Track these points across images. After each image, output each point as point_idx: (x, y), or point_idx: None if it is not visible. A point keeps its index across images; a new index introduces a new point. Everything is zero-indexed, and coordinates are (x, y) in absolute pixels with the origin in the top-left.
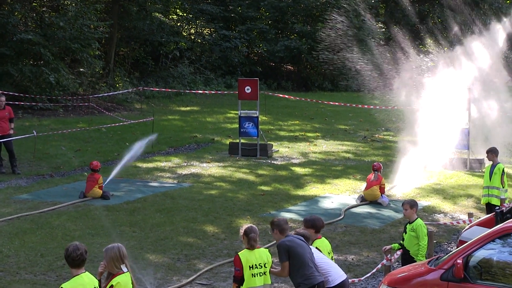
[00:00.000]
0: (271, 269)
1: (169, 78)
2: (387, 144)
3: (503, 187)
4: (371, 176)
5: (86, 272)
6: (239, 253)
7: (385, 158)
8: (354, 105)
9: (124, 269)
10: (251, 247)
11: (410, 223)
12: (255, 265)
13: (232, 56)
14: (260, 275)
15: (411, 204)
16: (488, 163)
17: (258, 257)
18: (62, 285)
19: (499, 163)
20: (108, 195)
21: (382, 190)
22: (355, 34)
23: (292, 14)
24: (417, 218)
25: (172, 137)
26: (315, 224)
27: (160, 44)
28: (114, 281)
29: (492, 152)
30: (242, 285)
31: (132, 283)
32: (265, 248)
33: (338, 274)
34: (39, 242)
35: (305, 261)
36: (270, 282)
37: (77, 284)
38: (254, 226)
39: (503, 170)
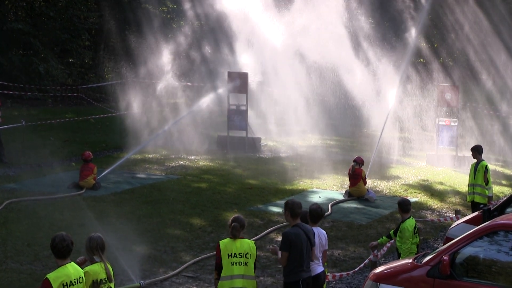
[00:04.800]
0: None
1: None
2: (374, 140)
3: (486, 185)
4: (350, 169)
5: (72, 262)
6: (220, 241)
7: (371, 153)
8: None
9: (97, 259)
10: (233, 236)
11: (402, 222)
12: (235, 254)
13: None
14: (239, 265)
15: (398, 203)
16: (473, 161)
17: (239, 246)
18: (48, 275)
19: (482, 160)
20: (99, 186)
21: (364, 182)
22: None
23: None
24: (408, 218)
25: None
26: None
27: (150, 36)
28: (84, 270)
29: (476, 150)
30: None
31: (107, 273)
32: (252, 240)
33: (313, 267)
34: (26, 231)
35: (299, 258)
36: (253, 274)
37: (62, 274)
38: (241, 216)
39: (486, 167)
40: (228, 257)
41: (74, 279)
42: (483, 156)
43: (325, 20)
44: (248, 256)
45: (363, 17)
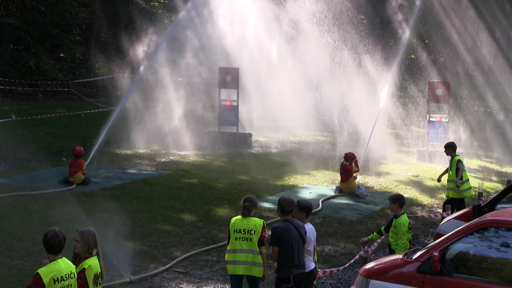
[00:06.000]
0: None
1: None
2: (365, 136)
3: (461, 180)
4: (340, 166)
5: (63, 257)
6: (232, 218)
7: (361, 149)
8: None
9: (94, 253)
10: (243, 215)
11: (396, 217)
12: (239, 230)
13: None
14: (242, 240)
15: (393, 198)
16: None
17: (245, 223)
18: (38, 270)
19: (456, 156)
20: (89, 181)
21: (356, 166)
22: None
23: None
24: (402, 214)
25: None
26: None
27: (141, 32)
28: (85, 264)
29: (450, 147)
30: None
31: (100, 266)
32: (262, 220)
33: (306, 263)
34: (16, 226)
35: (290, 252)
36: (257, 249)
37: (53, 269)
38: (252, 196)
39: (458, 161)
40: (234, 232)
41: (65, 275)
42: (472, 152)
43: (318, 14)
44: (252, 232)
45: (354, 13)
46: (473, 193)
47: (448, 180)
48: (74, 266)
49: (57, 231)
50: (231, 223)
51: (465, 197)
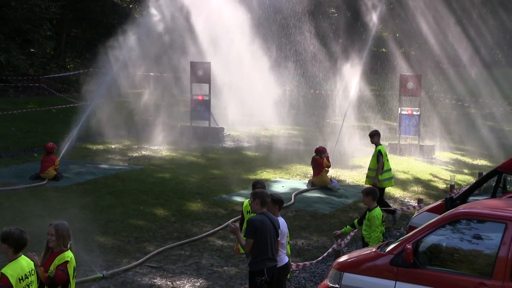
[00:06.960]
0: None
1: None
2: (336, 130)
3: (382, 169)
4: (312, 160)
5: (22, 255)
6: (245, 200)
7: (333, 143)
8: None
9: (68, 246)
10: None
11: (369, 210)
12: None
13: None
14: None
15: (366, 191)
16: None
17: None
18: (3, 271)
19: (379, 145)
20: (60, 177)
21: (328, 161)
22: None
23: None
24: (375, 207)
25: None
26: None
27: (112, 26)
28: (67, 257)
29: (376, 135)
30: None
31: None
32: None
33: (279, 257)
34: None
35: (264, 245)
36: None
37: (17, 267)
38: (263, 181)
39: (379, 151)
40: (247, 214)
41: (28, 272)
42: (444, 145)
43: (289, 9)
44: None
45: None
46: (393, 184)
47: (369, 169)
48: (33, 262)
49: (21, 229)
50: (244, 205)
51: (384, 187)
